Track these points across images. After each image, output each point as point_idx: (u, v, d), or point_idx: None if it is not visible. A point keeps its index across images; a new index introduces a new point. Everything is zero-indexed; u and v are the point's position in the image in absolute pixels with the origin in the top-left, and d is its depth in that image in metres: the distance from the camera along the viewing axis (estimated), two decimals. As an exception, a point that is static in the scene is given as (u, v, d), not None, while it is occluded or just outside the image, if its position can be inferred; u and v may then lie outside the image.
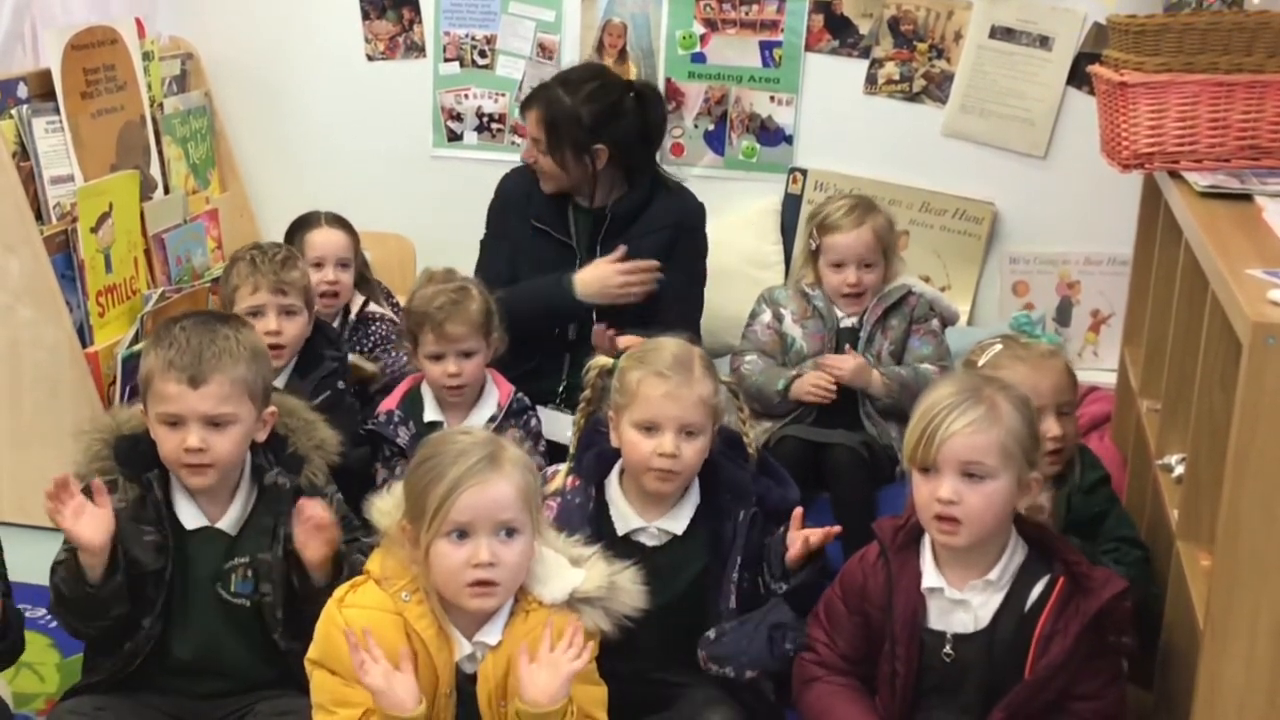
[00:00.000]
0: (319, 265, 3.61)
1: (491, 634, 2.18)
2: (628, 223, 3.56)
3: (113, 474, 2.42)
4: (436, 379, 3.16)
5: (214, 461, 2.36)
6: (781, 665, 2.46)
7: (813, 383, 3.35)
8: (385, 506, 2.24)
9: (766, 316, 3.51)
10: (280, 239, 3.77)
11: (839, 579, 2.44)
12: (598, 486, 2.61)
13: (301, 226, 3.70)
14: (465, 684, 2.18)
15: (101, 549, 2.29)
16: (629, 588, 2.28)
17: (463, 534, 2.11)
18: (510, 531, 2.14)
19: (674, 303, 3.56)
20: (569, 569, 2.24)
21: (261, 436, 2.45)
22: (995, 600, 2.29)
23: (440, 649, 2.16)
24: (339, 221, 3.72)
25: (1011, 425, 2.24)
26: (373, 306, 3.72)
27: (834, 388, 3.34)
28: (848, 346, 3.40)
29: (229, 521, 2.43)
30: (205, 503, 2.42)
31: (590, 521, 2.54)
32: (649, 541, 2.57)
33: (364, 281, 3.79)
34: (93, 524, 2.29)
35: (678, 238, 3.59)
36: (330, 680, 2.16)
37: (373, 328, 3.67)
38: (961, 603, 2.29)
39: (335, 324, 3.65)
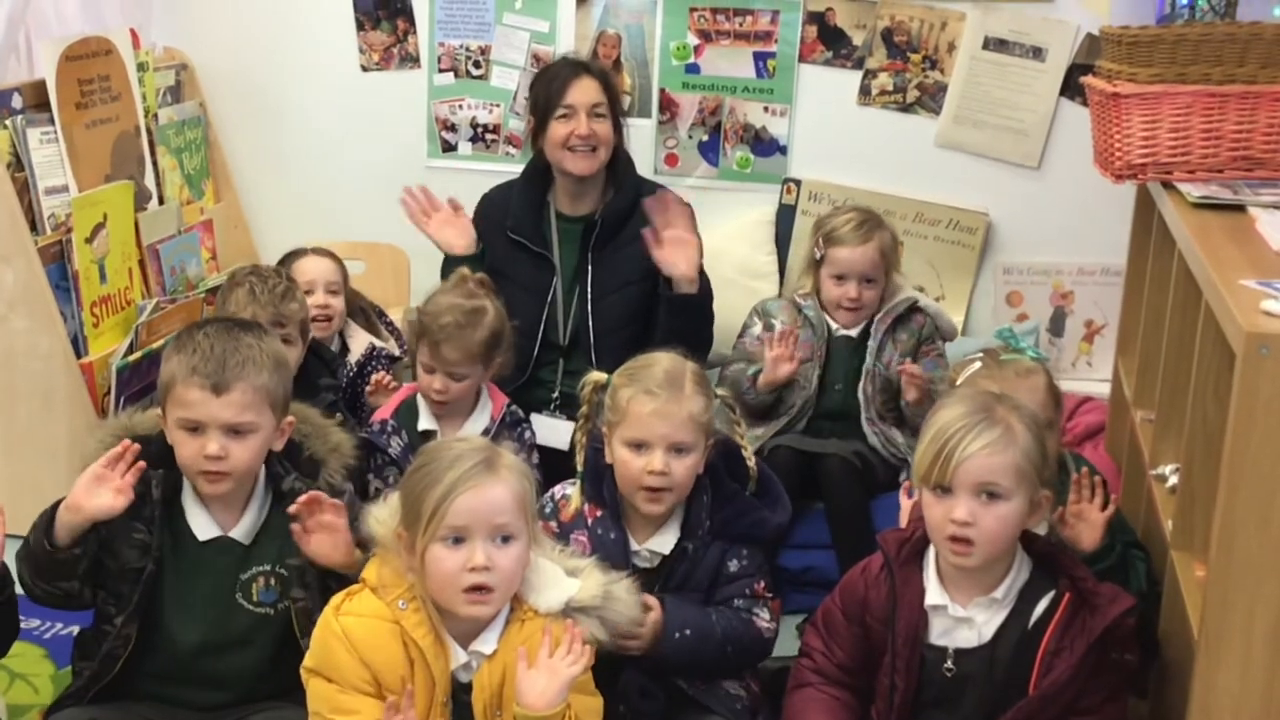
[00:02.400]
0: (309, 291, 3.61)
1: (487, 643, 2.18)
2: (617, 229, 3.56)
3: None
4: (425, 387, 3.15)
5: (232, 470, 2.35)
6: (742, 637, 2.50)
7: (773, 357, 3.35)
8: (381, 515, 2.24)
9: (757, 329, 3.52)
10: (274, 252, 3.77)
11: (839, 589, 2.44)
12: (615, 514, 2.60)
13: (289, 258, 3.69)
14: (460, 693, 2.18)
15: (84, 518, 2.31)
16: (625, 597, 2.29)
17: (458, 539, 2.11)
18: (506, 538, 2.14)
19: None
20: (564, 578, 2.24)
21: (279, 446, 2.45)
22: (999, 617, 2.28)
23: (437, 657, 2.16)
24: (326, 253, 3.73)
25: (1026, 446, 2.23)
26: (378, 343, 3.70)
27: (793, 352, 3.36)
28: None
29: (242, 530, 2.42)
30: (219, 511, 2.42)
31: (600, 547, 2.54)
32: (640, 564, 2.56)
33: (357, 312, 3.78)
34: (101, 498, 2.31)
35: None
36: (327, 688, 2.15)
37: (371, 365, 3.65)
38: (965, 619, 2.28)
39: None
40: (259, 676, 2.41)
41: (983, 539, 2.21)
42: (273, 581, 2.41)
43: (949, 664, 2.28)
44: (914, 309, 3.49)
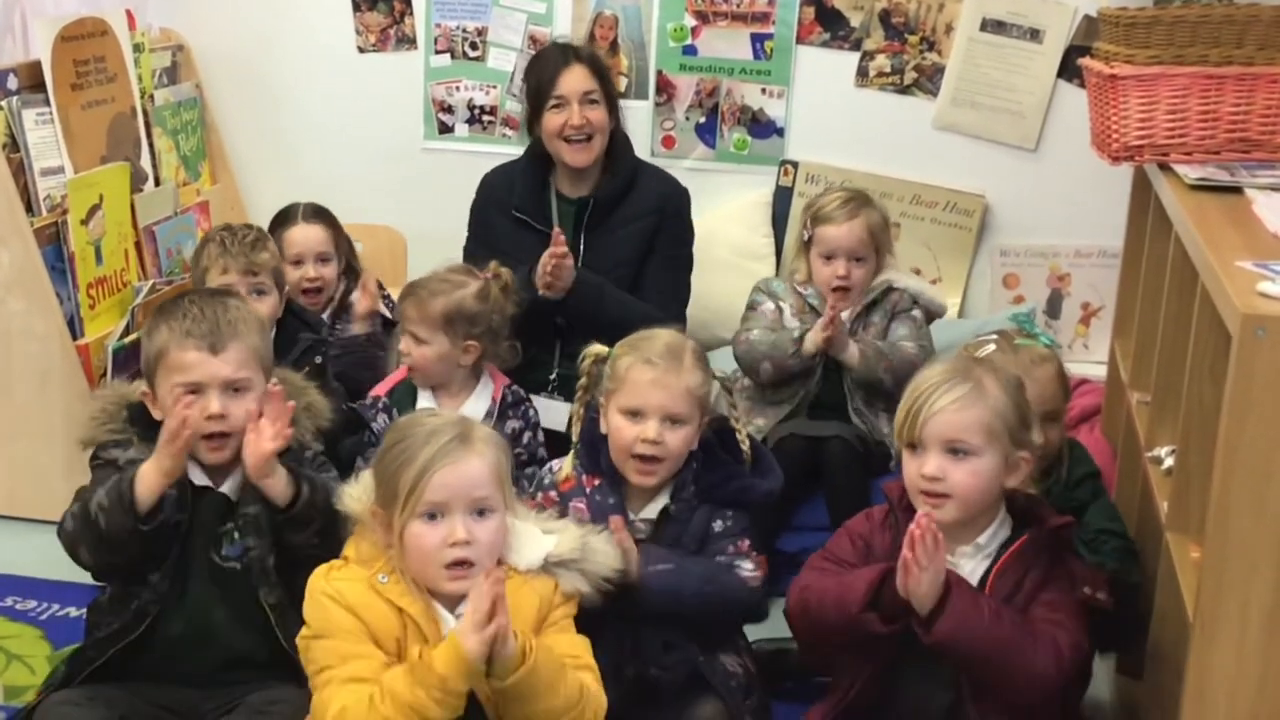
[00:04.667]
0: (298, 262, 3.61)
1: None
2: (609, 210, 3.56)
3: (123, 434, 2.44)
4: None
5: (231, 430, 2.37)
6: (723, 580, 2.48)
7: (822, 326, 3.30)
8: (355, 493, 2.23)
9: (769, 305, 3.49)
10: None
11: (846, 528, 2.45)
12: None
13: (280, 222, 3.70)
14: None
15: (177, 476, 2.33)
16: (603, 548, 2.30)
17: (435, 515, 2.11)
18: (484, 511, 2.14)
19: (652, 292, 3.55)
20: (541, 535, 2.25)
21: None
22: (983, 566, 2.31)
23: (430, 621, 2.14)
24: (318, 215, 3.71)
25: (997, 404, 2.27)
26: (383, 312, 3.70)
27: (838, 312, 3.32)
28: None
29: (231, 486, 2.43)
30: (210, 468, 2.43)
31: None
32: (636, 535, 2.56)
33: (353, 271, 3.77)
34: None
35: (659, 224, 3.58)
36: (330, 643, 2.12)
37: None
38: (953, 568, 2.29)
39: (326, 315, 3.65)
40: (243, 635, 2.39)
41: (957, 492, 2.26)
42: (236, 535, 2.41)
43: None
44: (890, 290, 3.47)
